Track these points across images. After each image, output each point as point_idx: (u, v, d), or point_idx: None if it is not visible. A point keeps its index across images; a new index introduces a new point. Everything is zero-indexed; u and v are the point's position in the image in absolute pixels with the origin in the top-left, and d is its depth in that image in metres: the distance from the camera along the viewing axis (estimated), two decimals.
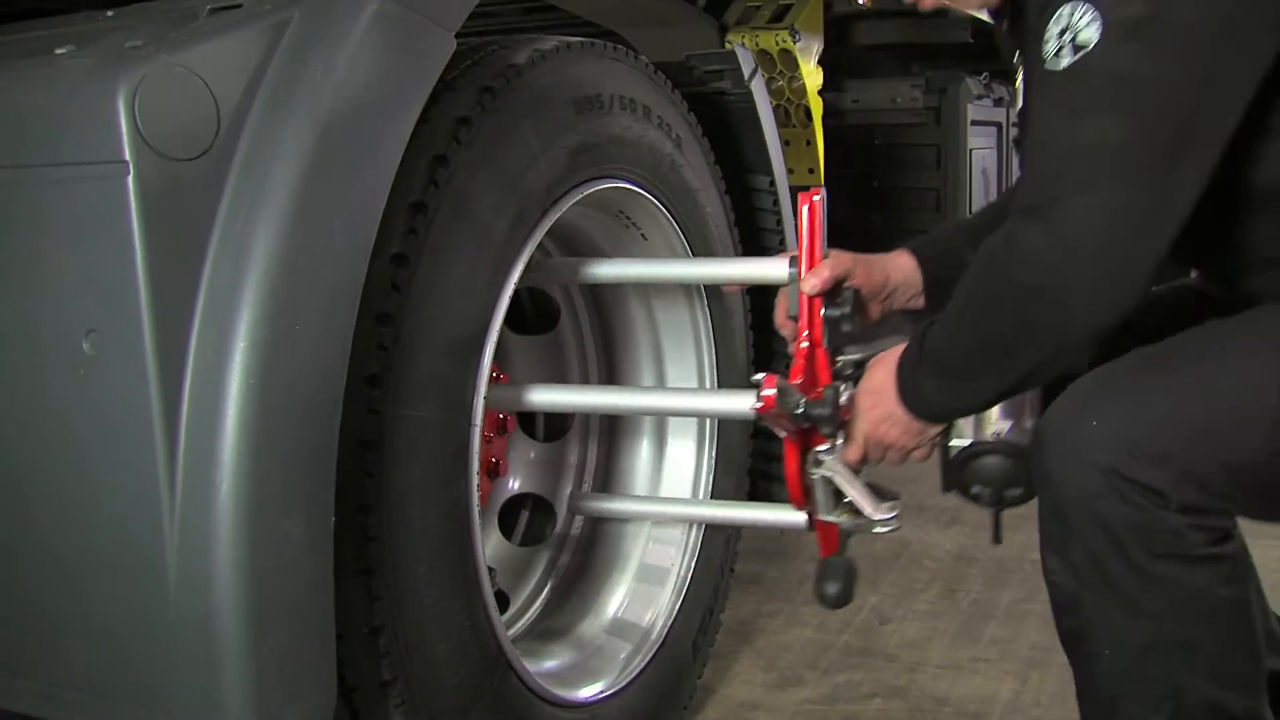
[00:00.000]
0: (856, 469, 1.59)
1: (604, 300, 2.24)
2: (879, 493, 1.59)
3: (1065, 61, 1.32)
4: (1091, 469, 1.33)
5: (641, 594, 2.12)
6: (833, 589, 1.61)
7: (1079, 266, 1.31)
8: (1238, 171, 1.39)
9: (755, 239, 2.40)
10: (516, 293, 1.66)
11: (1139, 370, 1.40)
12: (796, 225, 1.66)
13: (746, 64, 2.35)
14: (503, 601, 2.06)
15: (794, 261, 1.68)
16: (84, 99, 1.24)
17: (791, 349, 1.67)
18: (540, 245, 1.74)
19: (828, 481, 1.59)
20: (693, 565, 2.13)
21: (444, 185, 1.51)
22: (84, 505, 1.31)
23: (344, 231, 1.35)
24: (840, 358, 1.64)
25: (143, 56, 1.25)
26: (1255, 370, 1.35)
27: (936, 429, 1.52)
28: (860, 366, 1.59)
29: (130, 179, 1.21)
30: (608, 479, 2.28)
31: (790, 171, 2.52)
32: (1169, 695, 1.36)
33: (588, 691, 1.92)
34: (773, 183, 2.38)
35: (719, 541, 2.20)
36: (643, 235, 2.05)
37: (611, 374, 2.27)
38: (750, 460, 2.30)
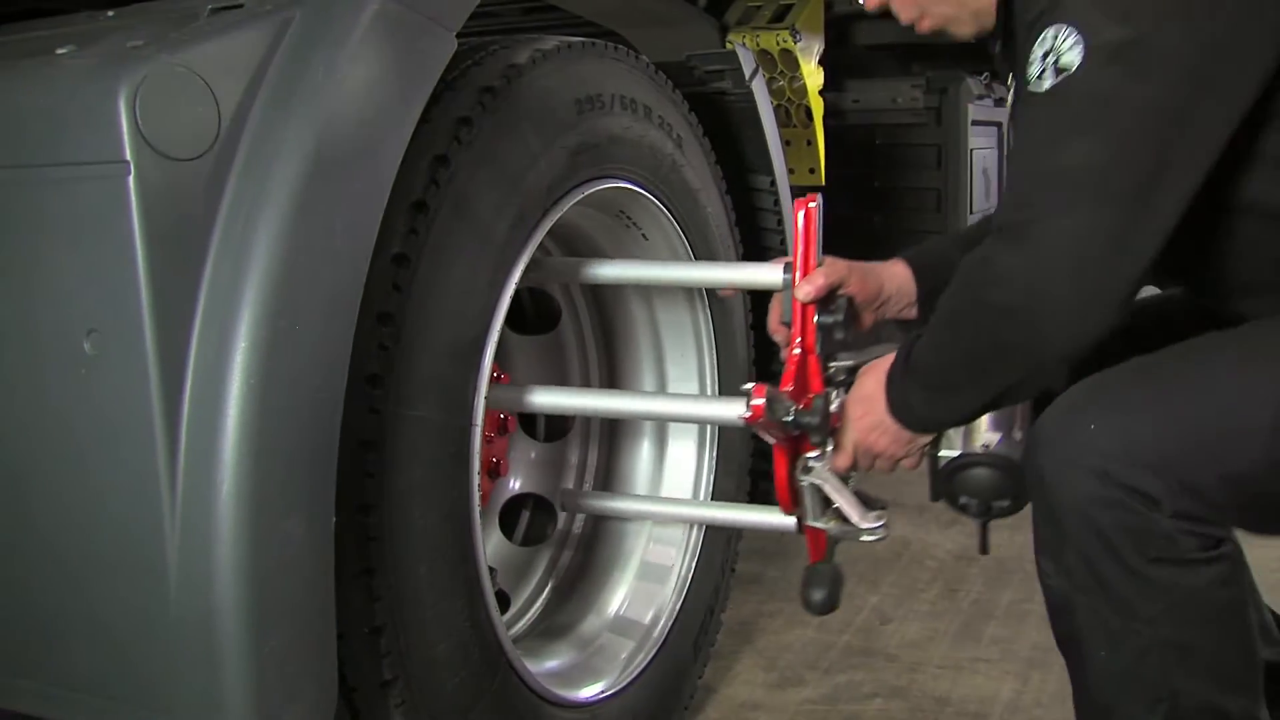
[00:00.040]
0: (845, 476, 1.60)
1: (605, 300, 2.24)
2: (867, 501, 1.59)
3: (1047, 84, 1.33)
4: (1086, 473, 1.33)
5: (643, 593, 2.12)
6: (818, 595, 1.62)
7: (1052, 288, 1.32)
8: (1220, 195, 1.39)
9: (756, 239, 2.40)
10: (517, 292, 1.66)
11: (1136, 378, 1.39)
12: (792, 230, 1.66)
13: (747, 64, 2.35)
14: (503, 601, 2.06)
15: (789, 267, 1.68)
16: (85, 99, 1.24)
17: (784, 355, 1.67)
18: (541, 245, 1.74)
19: (816, 489, 1.59)
20: (694, 565, 2.13)
21: (445, 185, 1.51)
22: (85, 505, 1.30)
23: (345, 231, 1.35)
24: (832, 364, 1.65)
25: (144, 56, 1.25)
26: (1254, 381, 1.35)
27: (926, 438, 1.53)
28: (852, 373, 1.60)
29: (131, 179, 1.21)
30: (609, 479, 2.28)
31: (791, 171, 2.53)
32: (1164, 697, 1.36)
33: (589, 691, 1.92)
34: (773, 183, 2.38)
35: (720, 541, 2.20)
36: (643, 235, 2.05)
37: (613, 374, 2.27)
38: (751, 460, 2.30)
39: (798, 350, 1.63)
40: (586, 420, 2.27)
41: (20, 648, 1.41)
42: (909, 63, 3.57)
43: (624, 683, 1.97)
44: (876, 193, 3.43)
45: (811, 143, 2.69)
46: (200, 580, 1.25)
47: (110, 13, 1.57)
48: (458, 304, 1.54)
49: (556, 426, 2.28)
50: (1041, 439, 1.39)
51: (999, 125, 3.66)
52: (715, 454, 2.20)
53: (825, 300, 1.64)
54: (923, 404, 1.48)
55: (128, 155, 1.21)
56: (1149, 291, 1.61)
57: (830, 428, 1.56)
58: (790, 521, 1.71)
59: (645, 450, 2.26)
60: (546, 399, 1.91)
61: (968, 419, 1.51)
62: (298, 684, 1.32)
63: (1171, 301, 1.72)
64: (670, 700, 2.09)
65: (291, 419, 1.29)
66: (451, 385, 1.54)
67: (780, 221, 2.38)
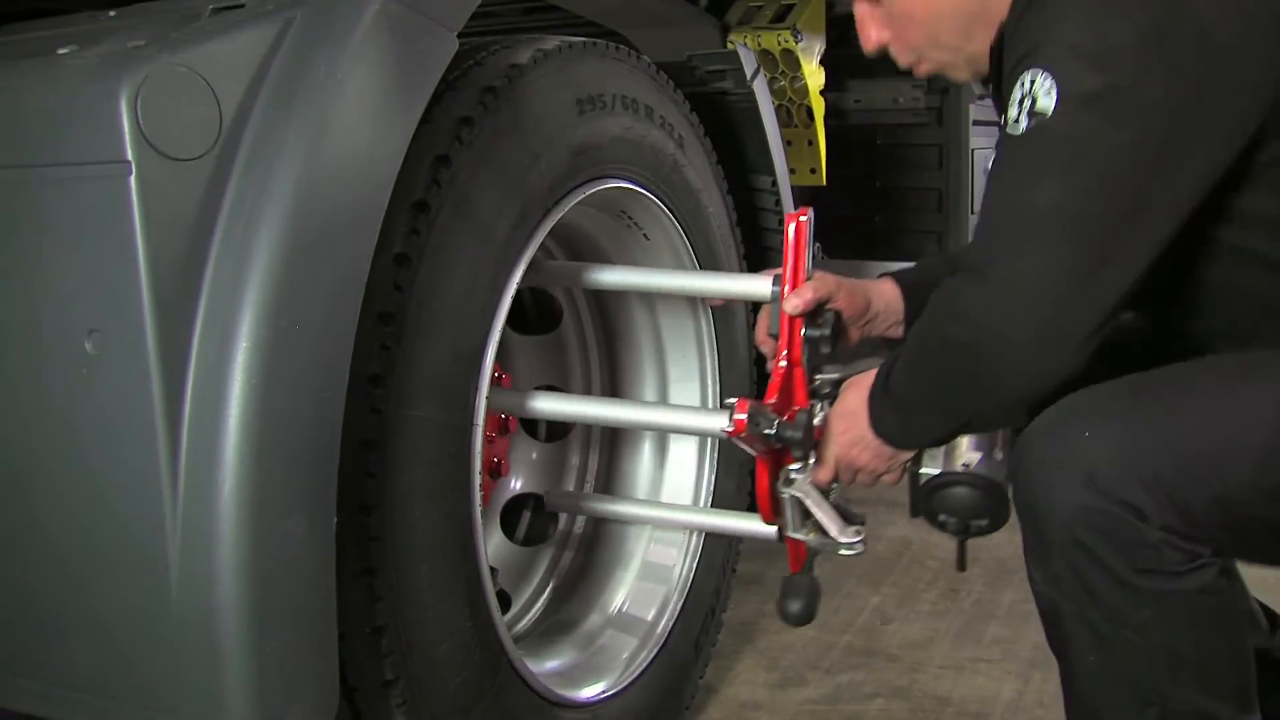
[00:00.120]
0: (827, 489, 1.61)
1: (606, 301, 2.24)
2: (847, 515, 1.61)
3: (1022, 126, 1.34)
4: (1074, 478, 1.33)
5: (644, 593, 2.12)
6: (795, 606, 1.63)
7: (1008, 329, 1.34)
8: (1201, 242, 1.40)
9: (757, 239, 2.40)
10: (519, 292, 1.66)
11: (1131, 394, 1.39)
12: (782, 244, 1.67)
13: (749, 64, 2.35)
14: (505, 601, 2.06)
15: (778, 280, 1.69)
16: (86, 99, 1.24)
17: (770, 366, 1.69)
18: (542, 245, 1.74)
19: (797, 500, 1.60)
20: (695, 565, 2.13)
21: (446, 185, 1.51)
22: (86, 505, 1.30)
23: (346, 231, 1.35)
24: (818, 377, 1.66)
25: (145, 56, 1.25)
26: (1248, 404, 1.34)
27: (907, 455, 1.54)
28: (837, 386, 1.62)
29: (132, 179, 1.21)
30: (610, 479, 2.28)
31: (792, 171, 2.53)
32: (1154, 702, 1.36)
33: (590, 691, 1.92)
34: (775, 183, 2.38)
35: (721, 542, 2.20)
36: (645, 235, 2.05)
37: (614, 374, 2.27)
38: (752, 462, 2.30)
39: (784, 362, 1.64)
40: None
41: (21, 647, 1.41)
42: None
43: (625, 683, 1.97)
44: (878, 193, 3.42)
45: (813, 143, 2.69)
46: (202, 580, 1.25)
47: (112, 13, 1.57)
48: (459, 304, 1.54)
49: (558, 427, 2.28)
50: (1031, 445, 1.39)
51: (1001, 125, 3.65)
52: (716, 455, 2.20)
53: (813, 314, 1.66)
54: (896, 425, 1.51)
55: (129, 155, 1.21)
56: None
57: (813, 441, 1.57)
58: (766, 530, 1.72)
59: (646, 450, 2.26)
60: (520, 402, 1.91)
61: (942, 441, 1.53)
62: (299, 684, 1.33)
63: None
64: (671, 700, 2.09)
65: (293, 419, 1.29)
66: (453, 385, 1.54)
67: (781, 222, 2.38)
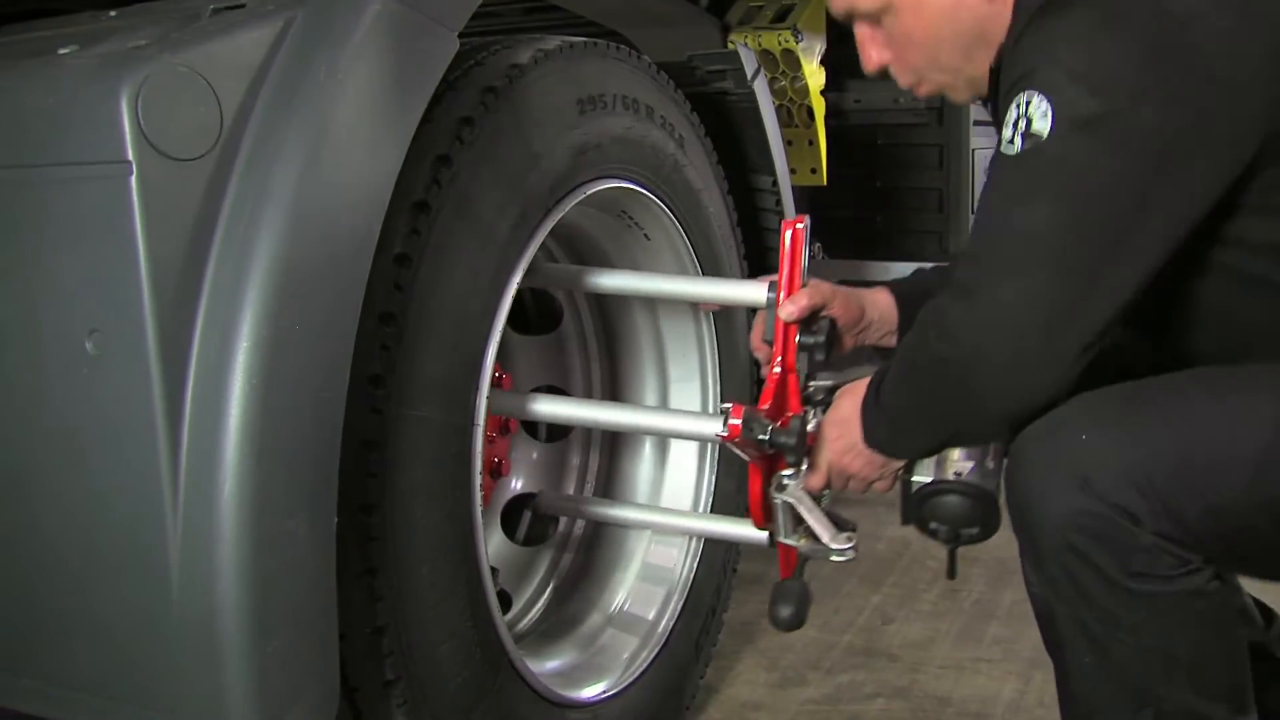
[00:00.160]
0: (818, 496, 1.61)
1: (607, 301, 2.24)
2: (838, 522, 1.61)
3: (1016, 148, 1.34)
4: (1068, 480, 1.33)
5: (644, 594, 2.12)
6: (785, 612, 1.63)
7: (991, 349, 1.34)
8: (1193, 264, 1.40)
9: (758, 239, 2.40)
10: (519, 292, 1.66)
11: (1122, 400, 1.39)
12: (779, 251, 1.68)
13: (749, 64, 2.35)
14: (505, 601, 2.06)
15: (773, 286, 1.69)
16: (87, 99, 1.24)
17: (764, 372, 1.69)
18: (543, 245, 1.74)
19: (789, 506, 1.61)
20: (695, 565, 2.13)
21: (447, 185, 1.51)
22: (87, 505, 1.31)
23: (347, 231, 1.35)
24: (811, 384, 1.66)
25: (146, 56, 1.25)
26: (1244, 415, 1.34)
27: (899, 463, 1.54)
28: (830, 393, 1.62)
29: (133, 179, 1.21)
30: (610, 480, 2.28)
31: (793, 171, 2.53)
32: (1148, 704, 1.36)
33: (590, 691, 1.92)
34: (775, 183, 2.38)
35: (722, 542, 2.20)
36: (645, 235, 2.05)
37: (615, 374, 2.27)
38: None
39: (778, 369, 1.65)
40: None
41: (22, 647, 1.41)
42: None
43: (626, 683, 1.97)
44: (878, 192, 3.42)
45: (813, 143, 2.69)
46: (202, 580, 1.25)
47: (113, 13, 1.57)
48: (460, 304, 1.54)
49: (559, 427, 2.28)
50: (1026, 448, 1.39)
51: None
52: (716, 456, 2.19)
53: (808, 321, 1.66)
54: (886, 435, 1.51)
55: (130, 155, 1.21)
56: None
57: (806, 447, 1.58)
58: (757, 536, 1.73)
59: (647, 451, 2.26)
60: (515, 404, 1.91)
61: (930, 452, 1.53)
62: (300, 684, 1.33)
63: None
64: (672, 700, 2.09)
65: (294, 419, 1.29)
66: (453, 385, 1.54)
67: (781, 221, 2.38)
